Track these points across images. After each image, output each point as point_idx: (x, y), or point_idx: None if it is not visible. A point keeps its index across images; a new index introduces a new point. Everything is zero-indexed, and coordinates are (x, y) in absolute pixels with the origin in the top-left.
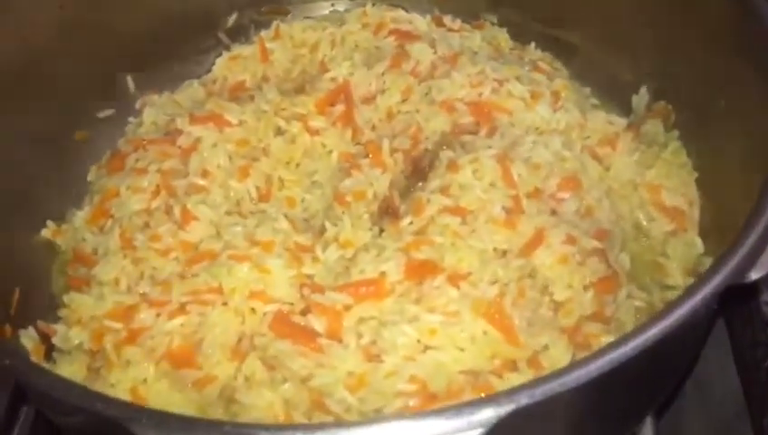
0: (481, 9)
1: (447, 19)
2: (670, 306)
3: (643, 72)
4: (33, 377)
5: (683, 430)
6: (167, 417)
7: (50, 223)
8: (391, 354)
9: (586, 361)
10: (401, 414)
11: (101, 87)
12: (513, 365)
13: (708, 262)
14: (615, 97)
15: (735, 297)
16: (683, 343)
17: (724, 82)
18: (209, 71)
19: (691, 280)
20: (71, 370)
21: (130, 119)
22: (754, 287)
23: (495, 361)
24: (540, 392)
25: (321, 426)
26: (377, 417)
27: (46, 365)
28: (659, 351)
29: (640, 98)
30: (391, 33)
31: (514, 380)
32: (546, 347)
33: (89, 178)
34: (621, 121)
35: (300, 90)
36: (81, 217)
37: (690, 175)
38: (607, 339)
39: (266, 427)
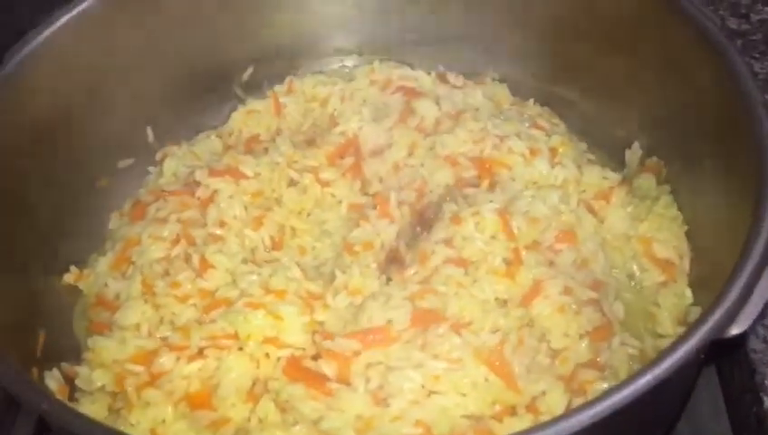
0: (483, 66)
1: (451, 76)
2: (653, 363)
3: (635, 128)
4: (66, 420)
5: None
6: None
7: (73, 268)
8: (397, 398)
9: (578, 410)
10: None
11: (123, 138)
12: (512, 410)
13: (697, 311)
14: (610, 151)
15: (725, 346)
16: (669, 394)
17: (710, 140)
18: (225, 122)
19: (680, 329)
20: (92, 409)
21: (150, 168)
22: (742, 335)
23: (496, 406)
24: None
25: None
26: None
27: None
28: (647, 400)
29: (633, 153)
30: (398, 89)
31: (514, 424)
32: (544, 393)
33: (110, 226)
34: (615, 176)
35: (311, 142)
36: (103, 263)
37: (681, 228)
38: (601, 385)
39: None
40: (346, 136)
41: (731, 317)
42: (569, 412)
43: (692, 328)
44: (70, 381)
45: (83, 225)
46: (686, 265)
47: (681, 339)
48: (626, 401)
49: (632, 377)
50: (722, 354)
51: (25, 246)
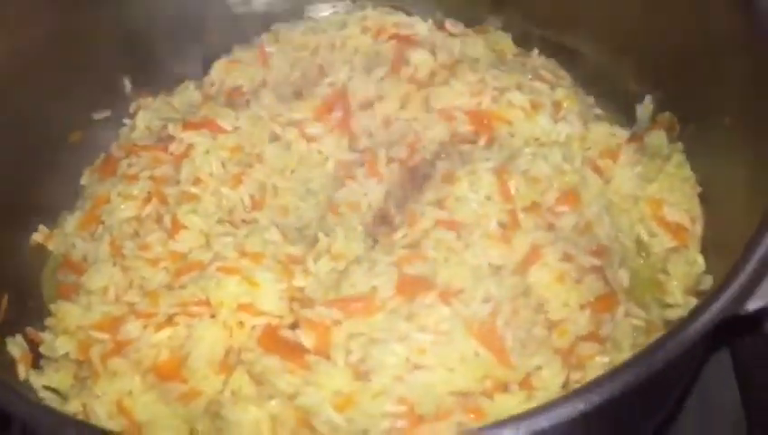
0: (485, 13)
1: (449, 23)
2: (660, 342)
3: (648, 81)
4: (12, 407)
5: None
6: None
7: (42, 227)
8: (380, 373)
9: (572, 397)
10: None
11: (98, 88)
12: (504, 387)
13: (709, 280)
14: (619, 106)
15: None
16: (675, 374)
17: (729, 97)
18: (207, 73)
19: (691, 298)
20: (57, 378)
21: (126, 121)
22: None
23: (486, 382)
24: (524, 428)
25: None
26: None
27: (33, 373)
28: (646, 386)
29: (645, 108)
30: (391, 37)
31: (505, 401)
32: (539, 368)
33: (82, 182)
34: (624, 133)
35: (298, 94)
36: (71, 222)
37: (693, 190)
38: (601, 359)
39: None
40: (334, 87)
41: (748, 290)
42: (560, 400)
43: (703, 304)
44: (35, 346)
45: (55, 181)
46: (699, 229)
47: (690, 318)
48: (618, 393)
49: (626, 365)
50: (736, 334)
51: None
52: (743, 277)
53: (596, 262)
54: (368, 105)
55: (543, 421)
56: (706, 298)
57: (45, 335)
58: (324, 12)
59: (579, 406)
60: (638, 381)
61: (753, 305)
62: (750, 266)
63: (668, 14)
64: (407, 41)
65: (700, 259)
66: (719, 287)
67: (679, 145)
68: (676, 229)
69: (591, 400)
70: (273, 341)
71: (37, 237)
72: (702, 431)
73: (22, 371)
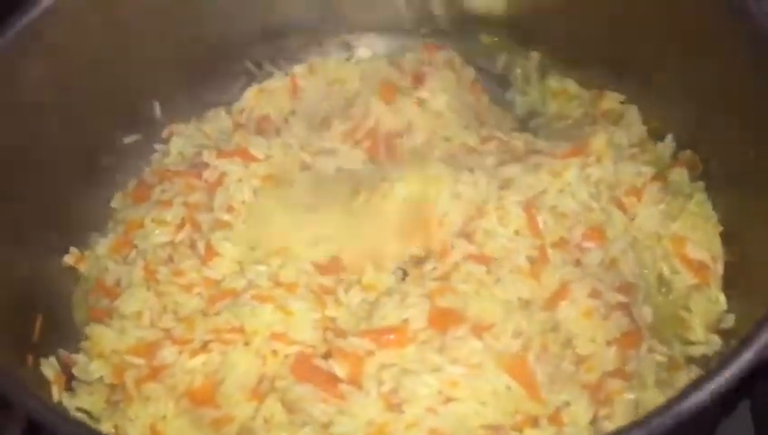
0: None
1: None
2: (687, 391)
3: (670, 119)
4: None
5: None
6: None
7: (73, 249)
8: (412, 405)
9: None
10: None
11: (128, 112)
12: (534, 421)
13: (731, 319)
14: (642, 143)
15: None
16: (705, 421)
17: (752, 135)
18: (236, 99)
19: (713, 336)
20: (90, 401)
21: (156, 145)
22: None
23: (517, 416)
24: None
25: None
26: None
27: (66, 395)
28: (683, 427)
29: (666, 146)
30: (414, 75)
31: None
32: (568, 403)
33: (113, 205)
34: (649, 170)
35: (326, 123)
36: (104, 245)
37: (715, 228)
38: (628, 395)
39: None
40: (362, 117)
41: None
42: None
43: (739, 348)
44: (68, 368)
45: (85, 203)
46: (720, 268)
47: (723, 361)
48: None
49: (667, 404)
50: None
51: (24, 223)
52: None
53: (622, 298)
54: (396, 136)
55: None
56: (744, 342)
57: (79, 358)
58: (353, 42)
59: None
60: (674, 423)
61: None
62: None
63: (690, 52)
64: None
65: (722, 297)
66: (754, 332)
67: (700, 184)
68: (698, 267)
69: None
70: (306, 369)
71: (69, 259)
72: None
73: (55, 392)
